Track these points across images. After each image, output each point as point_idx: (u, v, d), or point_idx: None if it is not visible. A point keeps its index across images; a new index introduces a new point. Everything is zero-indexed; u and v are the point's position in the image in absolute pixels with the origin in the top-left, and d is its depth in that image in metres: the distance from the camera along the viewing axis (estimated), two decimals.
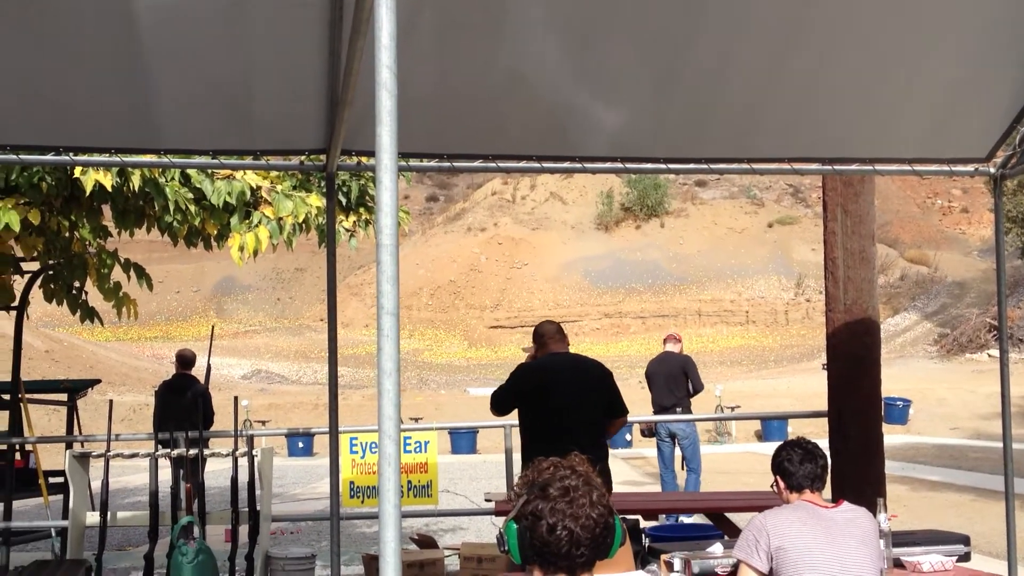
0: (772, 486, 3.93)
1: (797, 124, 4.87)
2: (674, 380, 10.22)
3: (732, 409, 21.19)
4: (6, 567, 7.99)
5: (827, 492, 3.98)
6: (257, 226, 6.43)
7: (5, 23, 3.68)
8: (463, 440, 21.59)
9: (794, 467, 3.81)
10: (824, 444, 4.65)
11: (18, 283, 7.99)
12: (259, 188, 6.50)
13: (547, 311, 60.06)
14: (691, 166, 5.08)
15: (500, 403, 5.70)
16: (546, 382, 5.54)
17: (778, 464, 3.87)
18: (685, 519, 8.97)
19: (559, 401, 5.43)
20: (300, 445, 22.25)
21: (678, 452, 10.44)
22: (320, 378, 47.17)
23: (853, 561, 3.59)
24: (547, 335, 5.75)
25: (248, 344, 56.68)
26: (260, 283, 69.28)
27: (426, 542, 8.24)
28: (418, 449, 8.19)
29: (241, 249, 6.40)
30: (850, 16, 4.01)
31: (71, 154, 4.97)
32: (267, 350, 55.65)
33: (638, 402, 11.68)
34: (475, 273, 64.43)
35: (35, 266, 7.79)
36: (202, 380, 9.94)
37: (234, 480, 6.82)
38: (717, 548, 4.15)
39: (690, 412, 10.62)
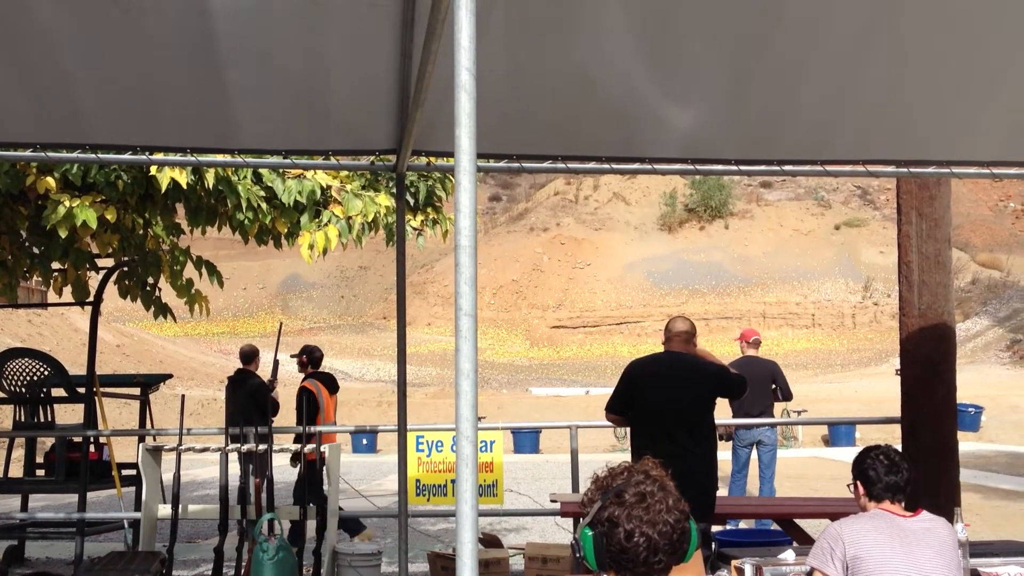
0: (849, 486, 3.85)
1: (872, 125, 4.77)
2: (761, 387, 9.64)
3: (799, 413, 20.89)
4: (80, 557, 8.16)
5: None
6: (327, 225, 6.49)
7: (85, 24, 3.75)
8: (525, 440, 21.58)
9: (878, 476, 3.72)
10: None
11: (93, 279, 8.15)
12: (329, 187, 6.56)
13: (609, 311, 59.91)
14: (763, 167, 5.02)
15: (614, 403, 5.78)
16: (647, 378, 5.61)
17: (861, 470, 3.79)
18: (743, 525, 8.86)
19: (656, 398, 5.50)
20: (364, 442, 22.44)
21: (753, 457, 10.15)
22: (383, 375, 47.55)
23: (931, 572, 3.51)
24: (671, 334, 5.80)
25: (312, 341, 57.26)
26: (325, 281, 70.07)
27: (491, 541, 8.26)
28: (484, 448, 8.21)
29: (311, 247, 6.46)
30: (929, 17, 3.92)
31: (148, 153, 5.06)
32: (331, 347, 56.18)
33: None
34: (537, 273, 64.45)
35: (110, 262, 7.94)
36: (263, 376, 10.07)
37: (301, 476, 6.89)
38: (789, 555, 4.09)
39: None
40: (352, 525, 9.17)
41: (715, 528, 6.92)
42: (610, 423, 6.16)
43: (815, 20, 3.91)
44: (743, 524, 8.92)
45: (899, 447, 5.67)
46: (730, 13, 3.85)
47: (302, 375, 9.92)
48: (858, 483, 3.80)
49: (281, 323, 11.88)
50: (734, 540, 6.61)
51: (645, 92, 4.39)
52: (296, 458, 7.34)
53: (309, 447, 6.99)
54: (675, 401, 5.46)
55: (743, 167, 4.96)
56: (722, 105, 4.53)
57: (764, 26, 3.94)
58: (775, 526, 7.70)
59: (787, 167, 4.98)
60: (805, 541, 6.27)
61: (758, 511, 7.93)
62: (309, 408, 8.87)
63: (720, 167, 5.03)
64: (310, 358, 9.89)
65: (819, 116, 4.62)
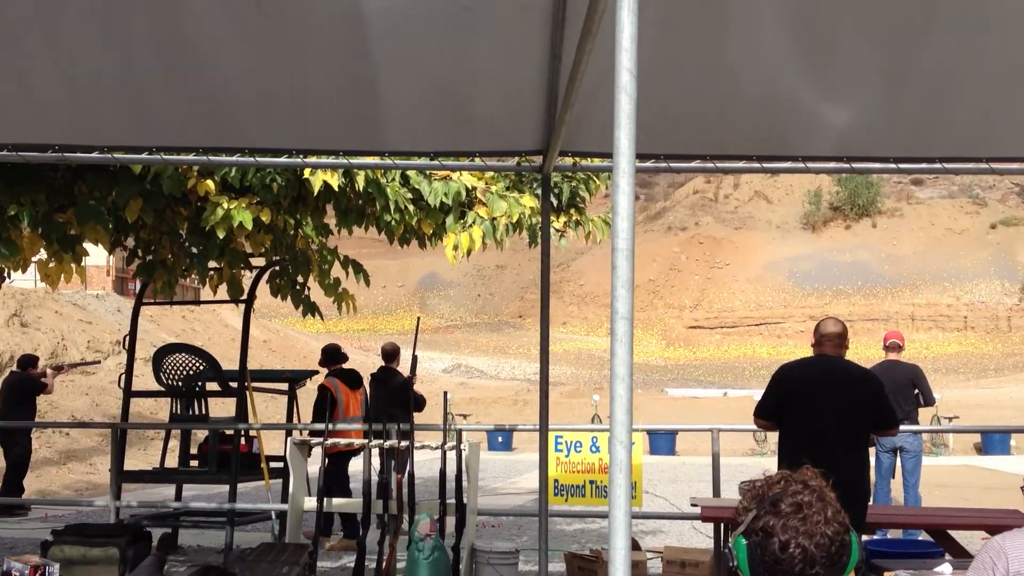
0: (1023, 489, 3.67)
1: None
2: (902, 392, 9.38)
3: (950, 420, 20.11)
4: (230, 545, 8.46)
5: None
6: (471, 226, 6.56)
7: (243, 34, 3.88)
8: (661, 441, 21.39)
9: None
10: None
11: (246, 278, 8.44)
12: (474, 189, 6.62)
13: (749, 312, 58.85)
14: (923, 165, 4.84)
15: (764, 408, 5.66)
16: (801, 383, 5.47)
17: None
18: (890, 535, 8.57)
19: (810, 405, 5.35)
20: (499, 440, 22.60)
21: (896, 464, 9.89)
22: (518, 374, 47.89)
23: None
24: (824, 336, 5.61)
25: (449, 339, 58.20)
26: (462, 279, 71.04)
27: None
28: None
29: (455, 248, 6.54)
30: None
31: (301, 156, 5.21)
32: (467, 345, 57.00)
33: None
34: (674, 272, 63.88)
35: (262, 262, 8.22)
36: (405, 372, 10.28)
37: (442, 472, 6.98)
38: (946, 568, 3.93)
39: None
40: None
41: (863, 538, 6.71)
42: (757, 428, 6.03)
43: (976, 15, 3.74)
44: (890, 534, 8.64)
45: None
46: (887, 6, 3.72)
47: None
48: None
49: (419, 318, 12.07)
50: (884, 550, 6.40)
51: (798, 89, 4.29)
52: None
53: (331, 441, 7.36)
54: (829, 407, 5.30)
55: (901, 165, 4.79)
56: (880, 101, 4.38)
57: (924, 18, 3.79)
58: (924, 536, 7.42)
59: (949, 165, 4.78)
60: (960, 554, 6.02)
61: (910, 520, 7.65)
62: (328, 404, 9.17)
63: (877, 165, 4.87)
64: (327, 356, 10.23)
65: (983, 111, 4.42)
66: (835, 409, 5.30)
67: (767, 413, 5.61)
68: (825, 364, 5.50)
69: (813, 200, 63.61)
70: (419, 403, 10.23)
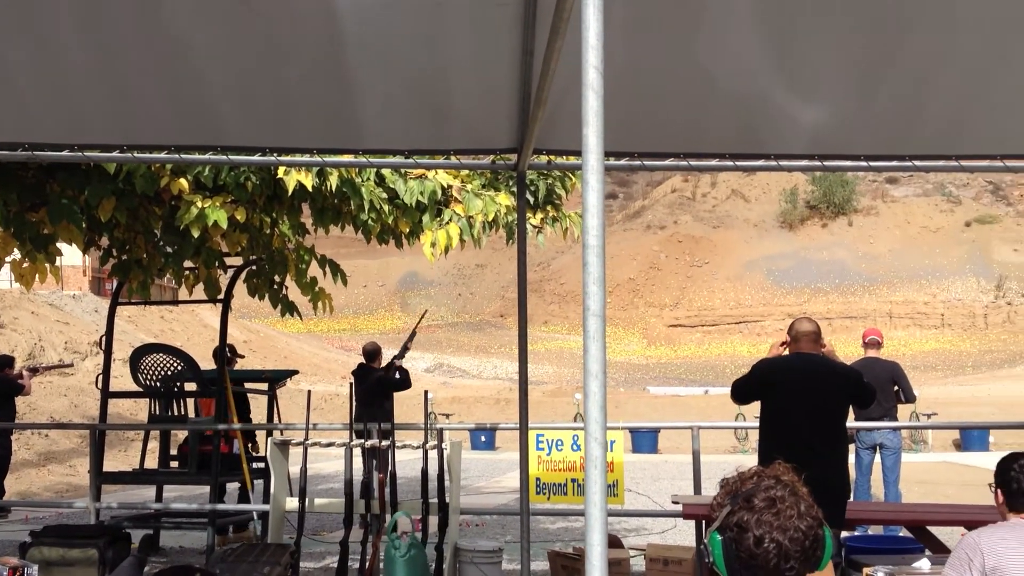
0: (990, 486, 3.68)
1: (1010, 118, 4.58)
2: (882, 389, 9.31)
3: (928, 416, 20.23)
4: (212, 547, 8.41)
5: None
6: (448, 224, 6.55)
7: (218, 30, 3.85)
8: (644, 439, 21.44)
9: (1020, 488, 3.55)
10: None
11: (223, 278, 8.39)
12: (450, 187, 6.61)
13: (728, 310, 59.09)
14: (895, 163, 4.87)
15: (740, 391, 5.71)
16: (781, 380, 5.49)
17: (1005, 479, 3.61)
18: (871, 531, 8.61)
19: (790, 402, 5.38)
20: (483, 439, 22.59)
21: (876, 460, 9.94)
22: (500, 373, 47.90)
23: None
24: (800, 334, 5.64)
25: (430, 338, 58.14)
26: (442, 279, 70.98)
27: (611, 542, 8.22)
28: None
29: (433, 246, 6.53)
30: None
31: (276, 154, 5.19)
32: (448, 344, 56.99)
33: None
34: (655, 271, 64.06)
35: (238, 261, 8.17)
36: (385, 371, 10.28)
37: (424, 472, 6.97)
38: (924, 564, 3.95)
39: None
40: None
41: (843, 534, 6.74)
42: (735, 404, 6.08)
43: (947, 15, 3.76)
44: (871, 530, 8.68)
45: None
46: (858, 6, 3.74)
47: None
48: (999, 490, 3.64)
49: (426, 311, 12.11)
50: (863, 547, 6.42)
51: (770, 88, 4.31)
52: None
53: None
54: (810, 404, 5.32)
55: (872, 163, 4.82)
56: (851, 100, 4.41)
57: (894, 18, 3.81)
58: (904, 532, 7.46)
59: (919, 162, 4.81)
60: (939, 550, 6.06)
61: (889, 517, 7.69)
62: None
63: (849, 163, 4.89)
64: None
65: (953, 109, 4.46)
66: (814, 405, 5.32)
67: (741, 395, 5.68)
68: (804, 361, 5.53)
69: (789, 199, 64.00)
70: (404, 379, 10.25)
